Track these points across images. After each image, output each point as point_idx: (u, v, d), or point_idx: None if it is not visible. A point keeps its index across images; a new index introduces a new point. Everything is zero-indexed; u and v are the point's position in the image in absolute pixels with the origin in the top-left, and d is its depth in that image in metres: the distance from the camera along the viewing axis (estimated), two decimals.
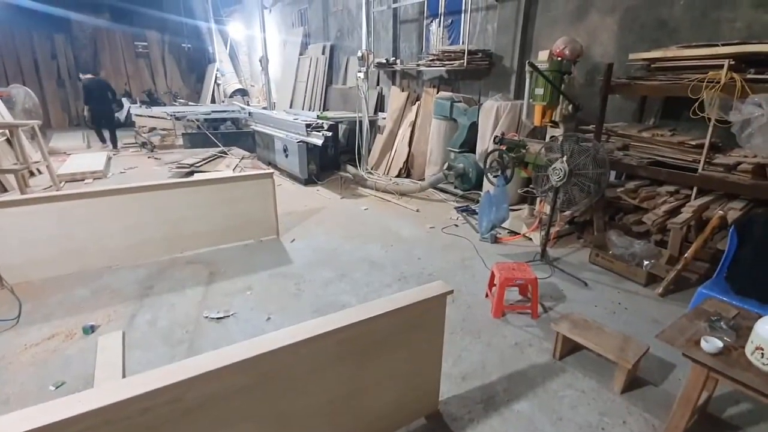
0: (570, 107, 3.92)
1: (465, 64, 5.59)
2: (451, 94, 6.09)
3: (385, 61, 7.13)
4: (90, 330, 2.69)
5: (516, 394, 2.21)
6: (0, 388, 2.21)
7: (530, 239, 4.24)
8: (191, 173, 6.55)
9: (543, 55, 4.19)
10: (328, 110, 8.68)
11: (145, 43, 14.09)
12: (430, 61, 6.19)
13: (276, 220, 4.24)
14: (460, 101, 5.88)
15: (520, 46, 5.28)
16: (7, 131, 5.42)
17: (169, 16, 14.00)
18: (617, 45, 4.35)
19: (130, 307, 2.98)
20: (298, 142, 6.05)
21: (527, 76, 4.02)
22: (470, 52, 5.59)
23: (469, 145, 5.78)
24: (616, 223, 3.94)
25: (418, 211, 5.17)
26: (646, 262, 3.35)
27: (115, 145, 8.77)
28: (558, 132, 4.04)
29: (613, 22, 4.36)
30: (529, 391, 2.23)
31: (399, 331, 1.76)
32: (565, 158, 3.33)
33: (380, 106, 7.86)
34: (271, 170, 4.13)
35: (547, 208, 3.83)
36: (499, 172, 3.95)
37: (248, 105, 11.07)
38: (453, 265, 3.72)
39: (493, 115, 5.07)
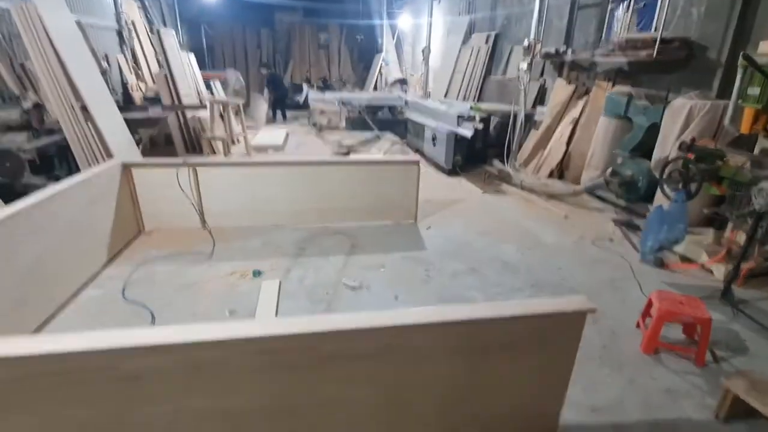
0: None
1: (654, 54, 4.75)
2: (629, 89, 5.28)
3: (553, 51, 6.56)
4: (258, 274, 3.28)
5: None
6: (193, 304, 2.89)
7: (710, 272, 3.47)
8: (348, 153, 7.25)
9: (766, 47, 3.29)
10: (482, 102, 8.48)
11: (327, 35, 15.92)
12: (609, 50, 5.45)
13: (416, 206, 4.40)
14: (640, 98, 5.06)
15: (734, 34, 4.24)
16: (221, 107, 6.85)
17: (349, 8, 15.49)
18: None
19: (287, 262, 3.51)
20: (447, 132, 6.10)
21: (739, 71, 3.23)
22: (664, 41, 4.71)
23: (642, 149, 4.95)
24: None
25: (566, 217, 4.71)
26: None
27: (285, 117, 11.30)
28: None
29: None
30: None
31: (526, 340, 1.66)
32: None
33: (540, 99, 7.31)
34: (418, 158, 4.29)
35: (742, 238, 3.06)
36: (681, 185, 3.29)
37: (406, 93, 11.60)
38: (599, 284, 3.30)
39: (682, 117, 4.23)
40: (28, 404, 1.34)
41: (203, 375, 1.43)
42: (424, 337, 1.56)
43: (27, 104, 4.66)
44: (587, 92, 6.22)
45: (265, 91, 11.24)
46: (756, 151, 3.41)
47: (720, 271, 3.36)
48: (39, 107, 4.78)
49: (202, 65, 9.92)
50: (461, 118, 5.95)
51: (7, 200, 3.41)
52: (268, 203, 4.10)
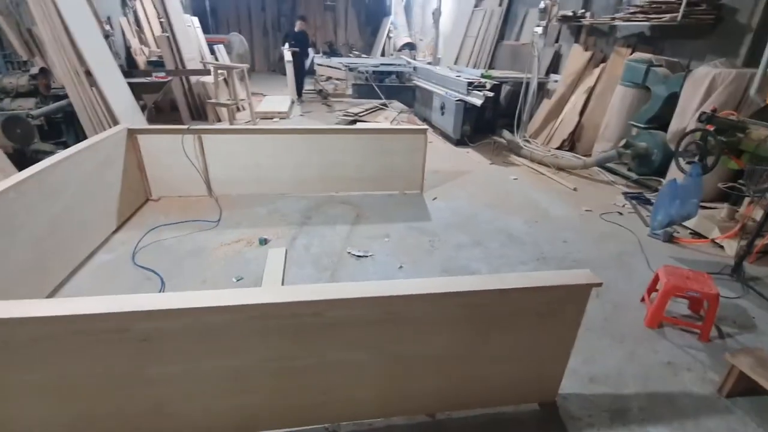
0: None
1: (680, 17, 4.48)
2: (650, 56, 5.04)
3: (571, 13, 6.24)
4: (264, 242, 3.30)
5: (655, 417, 1.91)
6: (202, 271, 2.92)
7: (721, 247, 3.42)
8: (354, 122, 7.12)
9: None
10: (493, 69, 8.19)
11: None
12: (631, 14, 5.16)
13: (422, 176, 4.34)
14: (660, 65, 4.84)
15: None
16: (225, 72, 6.70)
17: None
18: None
19: (293, 230, 3.52)
20: (456, 100, 5.93)
21: None
22: (690, 3, 4.44)
23: (659, 121, 4.79)
24: None
25: (575, 190, 4.63)
26: None
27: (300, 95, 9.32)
28: None
29: None
30: (675, 419, 1.90)
31: (529, 312, 1.66)
32: None
33: (554, 67, 7.04)
34: (426, 127, 4.19)
35: (759, 213, 2.99)
36: (697, 159, 3.19)
37: (414, 59, 11.24)
38: (606, 257, 3.28)
39: (704, 86, 4.05)
40: (46, 362, 1.40)
41: (212, 338, 1.47)
42: (426, 307, 1.57)
43: (34, 69, 4.60)
44: (604, 60, 5.97)
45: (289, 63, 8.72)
46: None
47: (732, 247, 3.31)
48: (45, 72, 4.71)
49: (205, 29, 9.64)
50: (471, 86, 5.77)
51: (19, 167, 3.43)
52: (273, 171, 4.07)
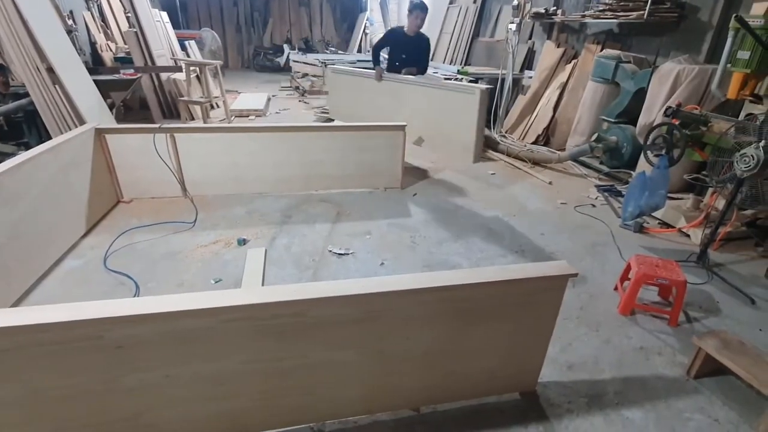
0: None
1: (645, 15, 4.65)
2: (618, 52, 5.20)
3: (543, 11, 6.37)
4: (242, 242, 3.24)
5: (629, 400, 1.99)
6: (178, 274, 2.85)
7: (687, 235, 3.57)
8: (332, 119, 7.06)
9: (759, 9, 3.24)
10: (469, 65, 8.28)
11: None
12: (600, 11, 5.31)
13: (402, 172, 4.36)
14: (628, 61, 5.00)
15: None
16: (197, 69, 6.53)
17: None
18: None
19: (272, 230, 3.47)
20: None
21: (730, 34, 3.19)
22: (655, 1, 4.61)
23: (628, 115, 4.96)
24: None
25: (550, 183, 4.75)
26: None
27: None
28: (760, 109, 3.18)
29: None
30: (647, 402, 1.99)
31: (508, 304, 1.70)
32: (762, 143, 2.63)
33: (528, 63, 7.18)
34: (404, 123, 4.19)
35: (721, 203, 3.14)
36: (664, 151, 3.32)
37: None
38: (581, 248, 3.38)
39: (670, 81, 4.21)
40: (14, 375, 1.34)
41: (191, 342, 1.44)
42: (409, 302, 1.58)
43: None
44: (576, 56, 6.12)
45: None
46: (741, 116, 3.44)
47: (697, 235, 3.46)
48: (2, 69, 4.47)
49: (175, 24, 9.35)
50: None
51: None
52: (250, 170, 4.00)
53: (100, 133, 3.55)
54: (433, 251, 3.26)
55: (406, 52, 4.82)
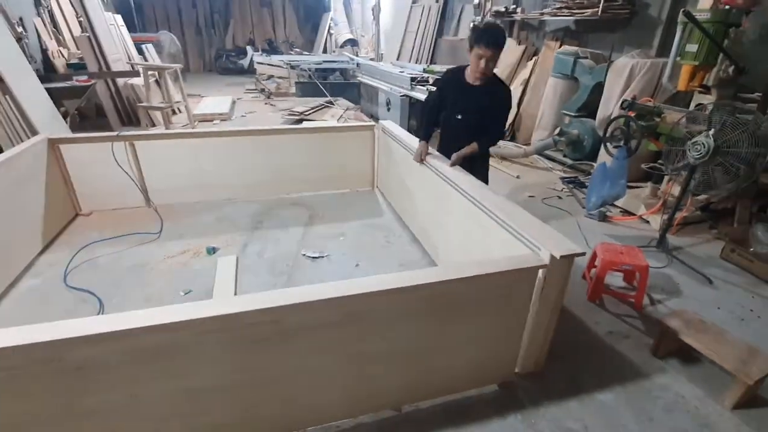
0: (731, 69, 3.22)
1: (599, 12, 4.84)
2: (576, 48, 5.39)
3: (503, 9, 6.53)
4: (212, 251, 3.15)
5: (601, 384, 2.06)
6: (144, 287, 2.74)
7: (647, 222, 3.75)
8: (300, 121, 6.97)
9: (705, 3, 3.44)
10: (435, 64, 8.37)
11: None
12: (557, 9, 5.49)
13: (373, 172, 4.35)
14: (585, 57, 5.19)
15: None
16: (156, 73, 6.29)
17: None
18: None
19: (243, 236, 3.39)
20: (401, 96, 6.00)
21: (678, 28, 3.37)
22: None
23: (588, 109, 5.15)
24: (767, 216, 3.26)
25: (518, 177, 4.87)
26: None
27: None
28: (708, 99, 3.37)
29: None
30: (617, 384, 2.07)
31: (484, 298, 1.73)
32: (711, 132, 2.79)
33: None
34: (373, 123, 4.19)
35: (676, 190, 3.31)
36: (622, 143, 3.47)
37: (357, 56, 11.20)
38: None
39: (624, 76, 4.40)
40: None
41: (160, 359, 1.38)
42: (386, 302, 1.58)
43: None
44: (536, 53, 6.30)
45: None
46: (691, 107, 3.63)
47: (656, 221, 3.64)
48: None
49: (131, 27, 8.97)
50: (414, 81, 5.86)
51: None
52: (217, 176, 3.89)
53: (53, 144, 3.36)
54: (408, 249, 3.28)
55: (464, 111, 2.75)
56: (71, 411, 1.37)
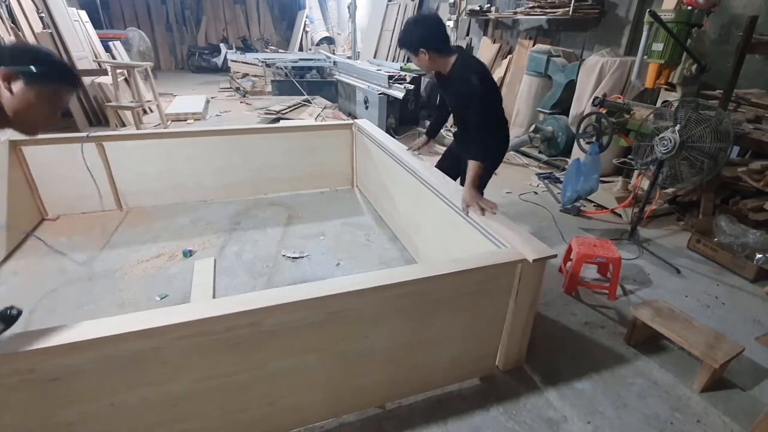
0: (694, 67, 3.36)
1: (570, 12, 4.97)
2: (549, 47, 5.51)
3: (478, 8, 6.61)
4: (188, 254, 3.07)
5: (579, 373, 2.12)
6: (118, 293, 2.65)
7: (620, 216, 3.88)
8: (277, 120, 6.88)
9: (669, 4, 3.58)
10: (411, 62, 8.40)
11: None
12: (530, 8, 5.60)
13: (352, 170, 4.34)
14: (558, 56, 5.31)
15: None
16: (125, 71, 6.08)
17: None
18: None
19: (221, 238, 3.32)
20: (379, 94, 6.00)
21: (645, 28, 3.49)
22: None
23: (562, 106, 5.28)
24: (729, 208, 3.43)
25: (496, 174, 4.92)
26: (759, 256, 2.90)
27: None
28: (674, 96, 3.51)
29: None
30: (594, 372, 2.13)
31: (464, 293, 1.75)
32: (677, 127, 2.91)
33: None
34: (351, 121, 4.17)
35: (646, 183, 3.43)
36: (594, 139, 3.57)
37: (334, 54, 11.12)
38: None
39: (595, 73, 4.53)
40: None
41: (138, 366, 1.34)
42: (367, 301, 1.58)
43: None
44: (511, 51, 6.41)
45: None
46: (658, 104, 3.77)
47: (627, 214, 3.77)
48: None
49: (97, 24, 8.63)
50: (392, 79, 5.87)
51: None
52: (192, 177, 3.80)
53: (15, 146, 3.20)
54: (388, 247, 3.28)
55: (448, 103, 2.79)
56: (49, 423, 1.32)
